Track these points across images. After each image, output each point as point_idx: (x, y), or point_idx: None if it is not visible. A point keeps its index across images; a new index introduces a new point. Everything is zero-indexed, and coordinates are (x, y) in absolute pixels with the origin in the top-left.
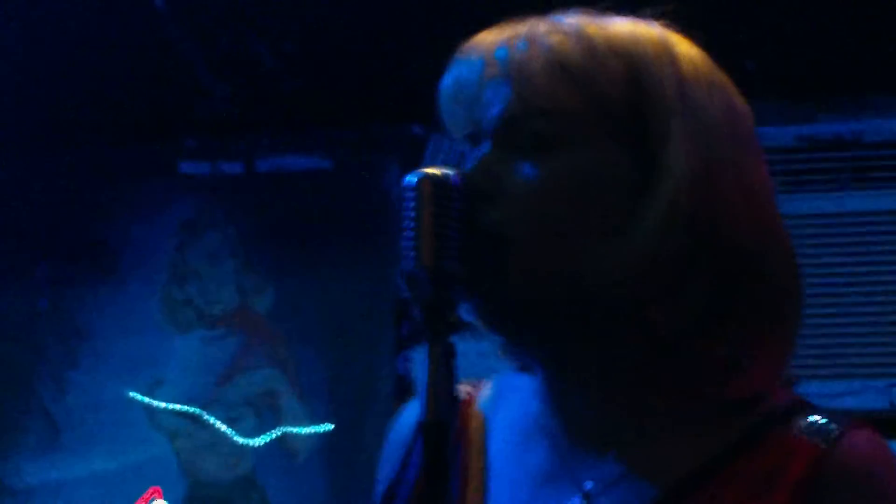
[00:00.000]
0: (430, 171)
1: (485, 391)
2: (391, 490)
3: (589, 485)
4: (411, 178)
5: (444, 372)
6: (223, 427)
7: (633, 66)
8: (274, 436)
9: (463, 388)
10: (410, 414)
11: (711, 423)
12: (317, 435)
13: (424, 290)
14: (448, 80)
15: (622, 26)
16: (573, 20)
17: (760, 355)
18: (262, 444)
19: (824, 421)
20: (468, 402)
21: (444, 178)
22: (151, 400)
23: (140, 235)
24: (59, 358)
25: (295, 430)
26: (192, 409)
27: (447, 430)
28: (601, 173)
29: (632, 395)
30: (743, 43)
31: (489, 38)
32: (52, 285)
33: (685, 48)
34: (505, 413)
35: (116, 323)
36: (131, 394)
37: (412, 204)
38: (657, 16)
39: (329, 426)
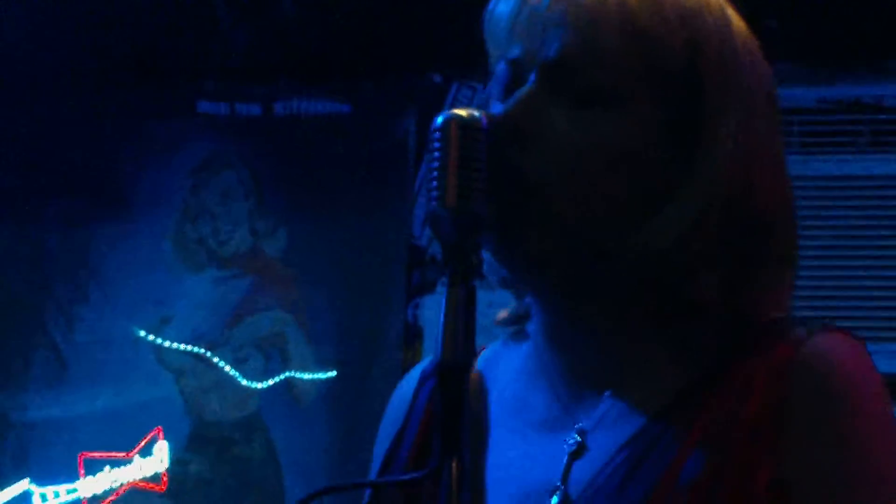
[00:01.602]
0: (458, 112)
1: (484, 353)
2: (393, 448)
3: (583, 422)
4: (439, 119)
5: (464, 314)
6: (229, 368)
7: (695, 38)
8: (280, 378)
9: None
10: (413, 376)
11: (702, 349)
12: (323, 379)
13: (447, 231)
14: (500, 4)
15: None
16: None
17: (764, 300)
18: (268, 386)
19: (799, 327)
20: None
21: (472, 119)
22: (159, 338)
23: (154, 174)
24: (69, 294)
25: (302, 373)
26: (199, 349)
27: (465, 372)
28: (645, 137)
29: (635, 338)
30: (766, 2)
31: None
32: (63, 221)
33: (738, 23)
34: (504, 370)
35: (127, 260)
36: (139, 332)
37: (438, 145)
38: None
39: (335, 372)
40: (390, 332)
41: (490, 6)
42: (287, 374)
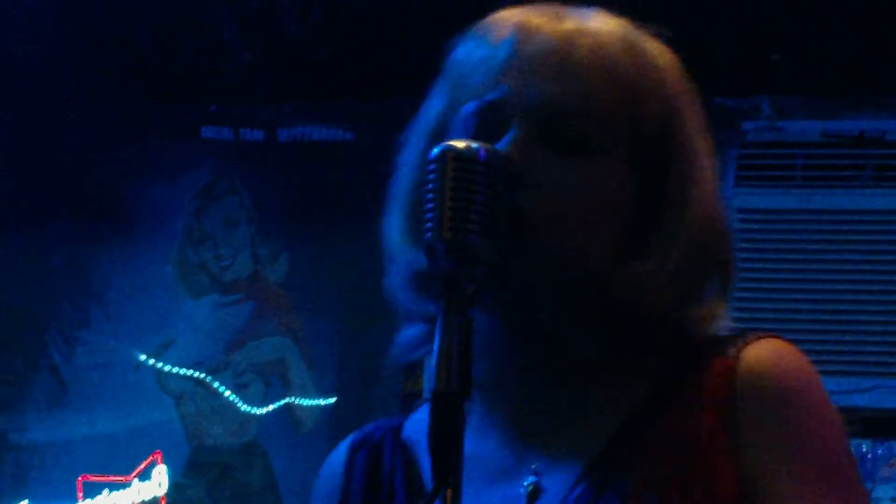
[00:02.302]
0: (454, 143)
1: (413, 417)
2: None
3: (536, 464)
4: (435, 150)
5: (459, 344)
6: (230, 393)
7: (669, 99)
8: (280, 404)
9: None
10: (340, 451)
11: (644, 375)
12: (323, 405)
13: (442, 262)
14: (480, 48)
15: (658, 49)
16: (618, 29)
17: (707, 325)
18: (268, 412)
19: (735, 339)
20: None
21: (470, 151)
22: (160, 362)
23: (158, 197)
24: (71, 316)
25: (302, 400)
26: (199, 374)
27: (458, 402)
28: (625, 186)
29: (588, 371)
30: (770, 36)
31: (533, 21)
32: (66, 243)
33: (691, 86)
34: None
35: (129, 284)
36: (140, 356)
37: (433, 176)
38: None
39: (335, 398)
40: (391, 360)
41: (465, 46)
42: (287, 399)
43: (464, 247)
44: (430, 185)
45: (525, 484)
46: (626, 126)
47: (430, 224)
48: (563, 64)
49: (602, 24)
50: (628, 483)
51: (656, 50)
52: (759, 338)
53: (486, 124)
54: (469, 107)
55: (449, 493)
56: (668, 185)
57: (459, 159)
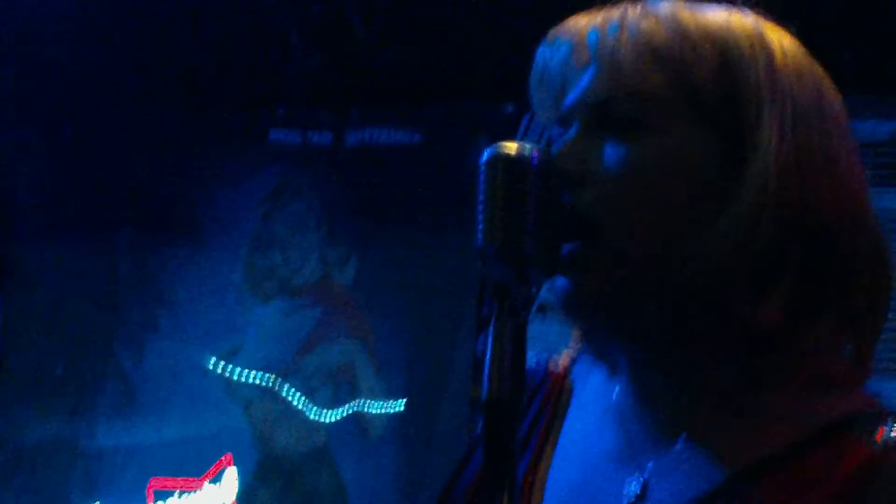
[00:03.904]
0: (506, 146)
1: (580, 364)
2: (452, 479)
3: (649, 468)
4: (486, 153)
5: (511, 350)
6: (298, 398)
7: (725, 53)
8: (349, 409)
9: (557, 360)
10: None
11: (785, 420)
12: (392, 411)
13: (493, 267)
14: (536, 65)
15: (716, 14)
16: (667, 6)
17: (845, 346)
18: (336, 417)
19: (887, 417)
20: (562, 375)
21: (522, 154)
22: (228, 367)
23: (225, 202)
24: (139, 321)
25: (370, 404)
26: (268, 379)
27: (510, 408)
28: (690, 158)
29: (710, 385)
30: (840, 35)
31: (579, 23)
32: (134, 249)
33: (778, 37)
34: (589, 389)
35: (197, 289)
36: (209, 361)
37: (484, 179)
38: (752, 5)
39: (404, 403)
40: (460, 364)
41: (536, 57)
42: (356, 404)
43: (515, 253)
44: (481, 189)
45: (632, 485)
46: (676, 93)
47: (480, 229)
48: (589, 55)
49: (644, 6)
50: None
51: (710, 16)
52: None
53: (560, 131)
54: (553, 131)
55: (504, 498)
56: (743, 141)
57: (510, 162)
